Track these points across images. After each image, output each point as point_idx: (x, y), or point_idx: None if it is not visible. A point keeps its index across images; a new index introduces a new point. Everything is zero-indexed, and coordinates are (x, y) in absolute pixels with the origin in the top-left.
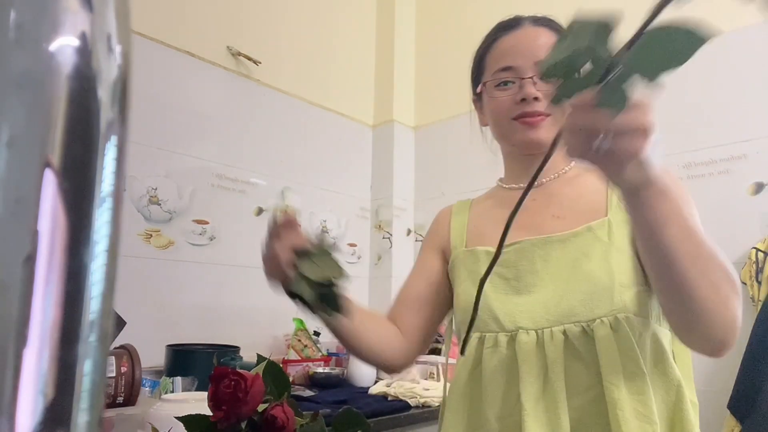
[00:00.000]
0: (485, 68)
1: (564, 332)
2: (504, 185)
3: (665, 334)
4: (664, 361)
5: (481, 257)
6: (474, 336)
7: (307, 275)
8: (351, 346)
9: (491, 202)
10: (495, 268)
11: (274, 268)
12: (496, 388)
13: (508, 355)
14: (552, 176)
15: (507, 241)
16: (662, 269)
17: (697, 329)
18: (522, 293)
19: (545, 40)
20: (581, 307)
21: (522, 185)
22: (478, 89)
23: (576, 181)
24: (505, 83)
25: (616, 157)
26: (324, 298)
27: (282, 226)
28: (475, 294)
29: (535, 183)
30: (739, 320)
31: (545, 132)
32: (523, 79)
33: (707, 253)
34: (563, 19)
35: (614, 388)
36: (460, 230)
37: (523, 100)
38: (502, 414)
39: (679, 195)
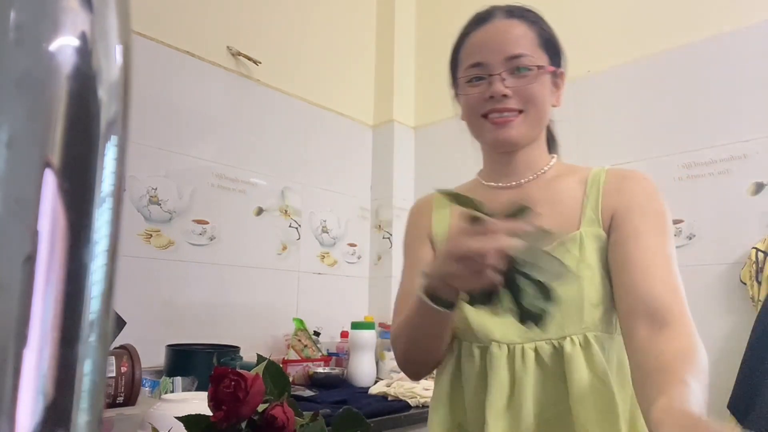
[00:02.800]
0: (459, 63)
1: (535, 349)
2: (483, 181)
3: (622, 344)
4: (624, 373)
5: None
6: (456, 342)
7: (524, 285)
8: (434, 347)
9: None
10: None
11: (473, 276)
12: (470, 395)
13: (481, 365)
14: (530, 176)
15: None
16: None
17: None
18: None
19: (517, 32)
20: (552, 324)
21: (501, 184)
22: (455, 84)
23: (554, 184)
24: (477, 79)
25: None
26: (535, 309)
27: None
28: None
29: (513, 182)
30: None
31: (515, 131)
32: (491, 75)
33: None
34: (551, 7)
35: (580, 406)
36: (443, 225)
37: (491, 97)
38: (472, 421)
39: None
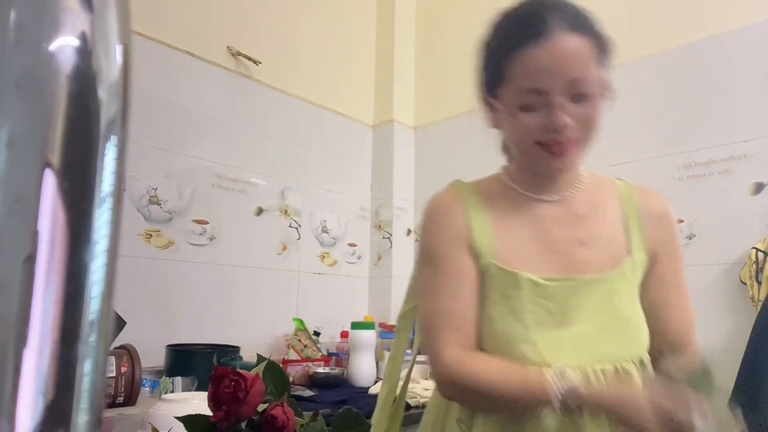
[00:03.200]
0: (505, 78)
1: (603, 371)
2: (518, 188)
3: None
4: None
5: (524, 286)
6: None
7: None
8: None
9: (509, 209)
10: (539, 300)
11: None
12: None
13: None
14: (571, 190)
15: (552, 274)
16: None
17: None
18: (564, 328)
19: (580, 51)
20: (615, 346)
21: (543, 197)
22: (493, 99)
23: (593, 198)
24: (533, 106)
25: None
26: None
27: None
28: (513, 326)
29: (555, 197)
30: None
31: (571, 159)
32: (552, 103)
33: None
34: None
35: None
36: (485, 234)
37: (554, 129)
38: None
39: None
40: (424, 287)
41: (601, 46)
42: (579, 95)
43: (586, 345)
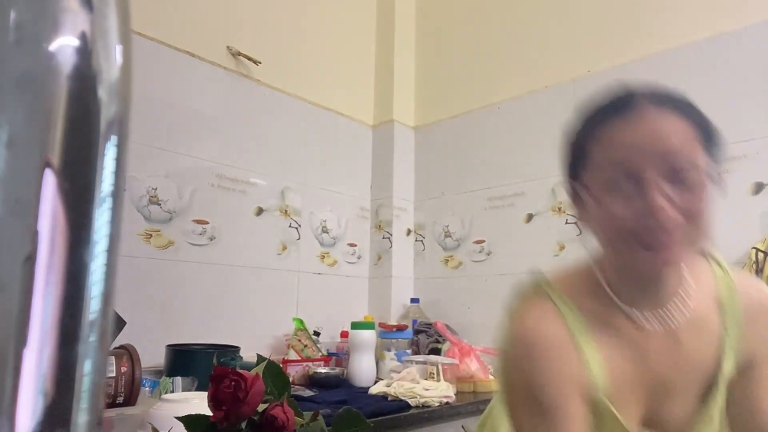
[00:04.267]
0: (589, 158)
1: None
2: (618, 300)
3: None
4: None
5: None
6: None
7: None
8: None
9: (607, 327)
10: None
11: None
12: None
13: None
14: (673, 301)
15: (624, 391)
16: None
17: None
18: None
19: (675, 130)
20: None
21: (647, 312)
22: (579, 186)
23: (698, 309)
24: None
25: None
26: None
27: None
28: None
29: (656, 309)
30: None
31: (675, 255)
32: (645, 181)
33: None
34: (551, 7)
35: None
36: (598, 366)
37: (651, 214)
38: None
39: None
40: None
41: (703, 128)
42: (679, 179)
43: None
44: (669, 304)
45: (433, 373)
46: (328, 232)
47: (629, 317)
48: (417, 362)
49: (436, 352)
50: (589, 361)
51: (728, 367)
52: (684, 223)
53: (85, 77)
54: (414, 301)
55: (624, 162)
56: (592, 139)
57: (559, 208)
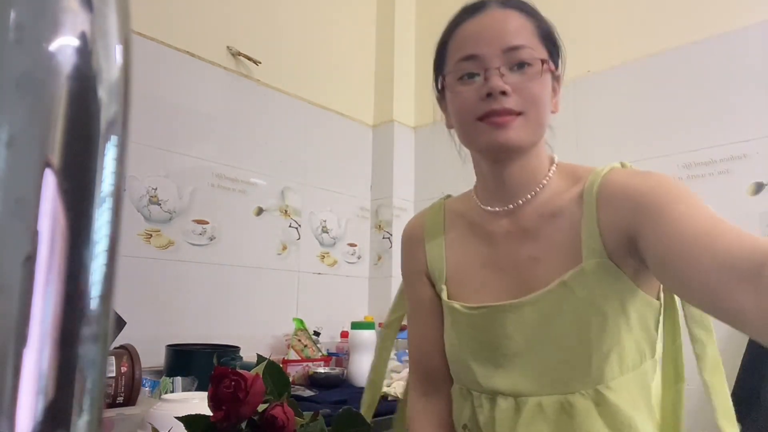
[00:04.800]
0: (447, 58)
1: (540, 404)
2: (480, 203)
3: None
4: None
5: (458, 315)
6: (459, 388)
7: None
8: None
9: (466, 228)
10: (469, 331)
11: None
12: None
13: (489, 416)
14: (524, 198)
15: (477, 302)
16: None
17: None
18: (498, 357)
19: (516, 24)
20: (557, 377)
21: (498, 208)
22: (440, 84)
23: (552, 204)
24: (470, 76)
25: None
26: None
27: None
28: (460, 354)
29: (509, 205)
30: None
31: (515, 133)
32: (488, 69)
33: None
34: (550, 7)
35: None
36: (439, 262)
37: (489, 95)
38: None
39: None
40: None
41: (542, 27)
42: (518, 64)
43: (522, 375)
44: (519, 200)
45: None
46: (328, 232)
47: (486, 215)
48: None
49: None
50: (428, 255)
51: (591, 262)
52: (523, 106)
53: (85, 77)
54: None
55: (472, 54)
56: (450, 39)
57: None
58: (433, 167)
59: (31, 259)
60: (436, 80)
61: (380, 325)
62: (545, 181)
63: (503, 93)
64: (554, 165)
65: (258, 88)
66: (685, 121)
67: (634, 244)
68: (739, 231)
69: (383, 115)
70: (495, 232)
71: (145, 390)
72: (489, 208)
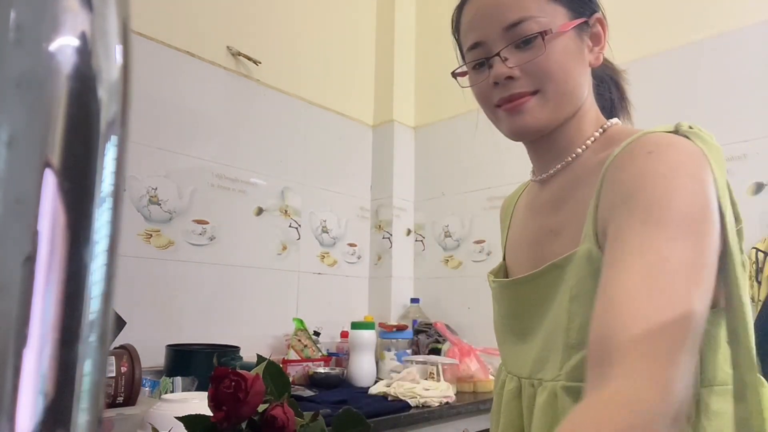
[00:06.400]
0: (461, 48)
1: (533, 385)
2: (532, 176)
3: None
4: None
5: (492, 291)
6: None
7: None
8: None
9: (525, 201)
10: (495, 307)
11: None
12: (495, 423)
13: (499, 395)
14: (554, 167)
15: (509, 255)
16: None
17: None
18: (511, 336)
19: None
20: (537, 363)
21: (541, 176)
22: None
23: (575, 172)
24: (480, 64)
25: None
26: None
27: None
28: (495, 321)
29: (541, 175)
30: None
31: (529, 116)
32: (490, 57)
33: None
34: None
35: None
36: (503, 240)
37: (496, 84)
38: None
39: None
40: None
41: None
42: (523, 41)
43: (524, 357)
44: (550, 170)
45: (433, 373)
46: (328, 232)
47: (534, 187)
48: (417, 362)
49: (436, 352)
50: (502, 228)
51: (585, 246)
52: (537, 83)
53: (85, 77)
54: (414, 301)
55: (476, 41)
56: (457, 30)
57: None
58: (433, 167)
59: (31, 259)
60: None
61: (380, 325)
62: (580, 150)
63: (510, 78)
64: (601, 129)
65: (258, 88)
66: (685, 120)
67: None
68: (629, 293)
69: (383, 115)
70: (534, 203)
71: (145, 390)
72: (534, 179)
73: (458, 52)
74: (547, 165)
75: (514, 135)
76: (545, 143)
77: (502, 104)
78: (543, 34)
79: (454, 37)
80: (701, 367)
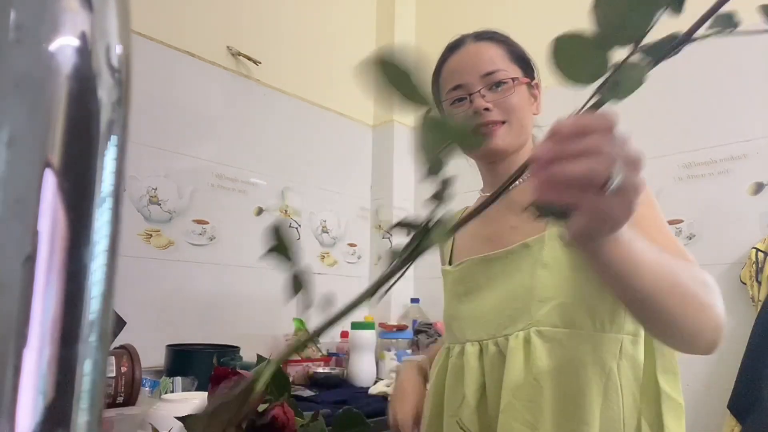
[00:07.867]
0: (440, 90)
1: (497, 344)
2: (482, 193)
3: (612, 347)
4: (610, 373)
5: (447, 276)
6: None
7: None
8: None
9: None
10: (449, 285)
11: None
12: (449, 391)
13: (458, 363)
14: (519, 182)
15: (459, 259)
16: (636, 304)
17: (680, 341)
18: (468, 307)
19: (489, 52)
20: (507, 321)
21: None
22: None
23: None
24: (459, 100)
25: (624, 199)
26: None
27: None
28: (449, 308)
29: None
30: (723, 319)
31: (500, 140)
32: (471, 94)
33: (682, 280)
34: (549, 8)
35: (509, 394)
36: (446, 247)
37: (475, 113)
38: (451, 413)
39: (646, 214)
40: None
41: (512, 51)
42: (496, 84)
43: (485, 321)
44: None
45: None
46: (328, 232)
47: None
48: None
49: None
50: (441, 246)
51: (554, 230)
52: (505, 116)
53: (85, 77)
54: (414, 301)
55: (457, 84)
56: (439, 74)
57: None
58: None
59: (31, 259)
60: (437, 107)
61: (380, 325)
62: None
63: (486, 109)
64: None
65: (258, 88)
66: (685, 120)
67: None
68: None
69: (383, 115)
70: (487, 213)
71: (145, 390)
72: (488, 194)
73: (436, 90)
74: (502, 181)
75: (486, 154)
76: (503, 164)
77: (484, 133)
78: (513, 79)
79: (433, 83)
80: None
